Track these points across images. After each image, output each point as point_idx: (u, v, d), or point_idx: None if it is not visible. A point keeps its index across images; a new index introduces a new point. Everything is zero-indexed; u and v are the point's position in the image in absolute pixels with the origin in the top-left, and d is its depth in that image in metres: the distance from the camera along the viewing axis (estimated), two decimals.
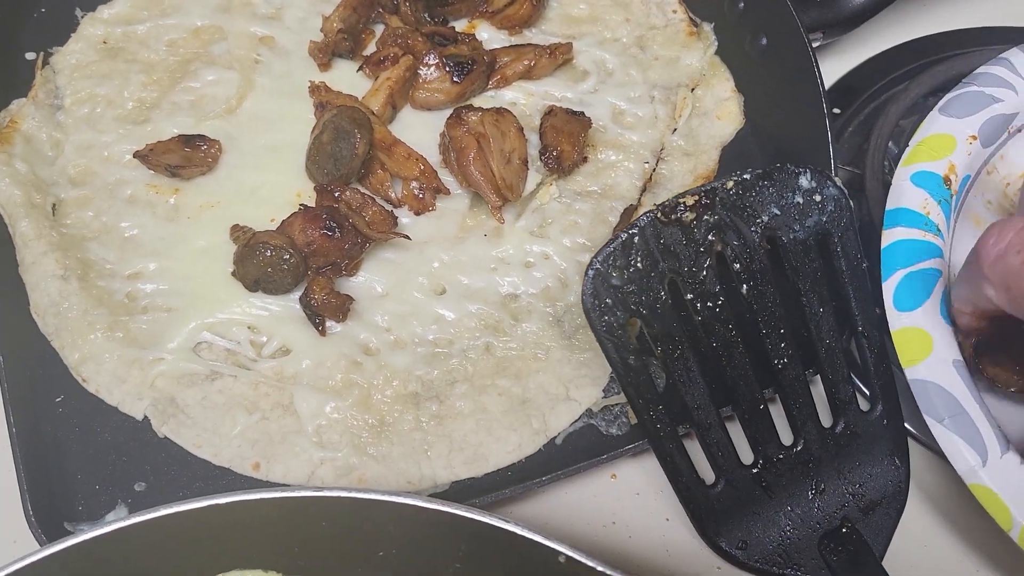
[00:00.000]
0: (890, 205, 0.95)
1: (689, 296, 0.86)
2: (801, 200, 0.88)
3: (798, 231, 0.88)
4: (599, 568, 0.70)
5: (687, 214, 0.86)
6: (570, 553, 0.70)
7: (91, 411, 0.92)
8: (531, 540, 0.71)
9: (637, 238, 0.86)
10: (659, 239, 0.86)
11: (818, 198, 0.88)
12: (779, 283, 0.88)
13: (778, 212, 0.88)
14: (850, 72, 1.17)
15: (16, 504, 0.87)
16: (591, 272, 0.85)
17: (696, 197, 0.86)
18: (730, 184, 0.87)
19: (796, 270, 0.88)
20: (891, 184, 0.95)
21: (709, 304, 0.87)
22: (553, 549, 0.71)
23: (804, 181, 0.88)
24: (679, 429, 0.86)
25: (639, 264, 0.86)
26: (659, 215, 0.86)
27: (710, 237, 0.87)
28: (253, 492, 0.75)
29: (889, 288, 0.90)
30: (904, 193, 0.94)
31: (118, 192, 1.04)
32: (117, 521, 0.73)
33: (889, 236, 0.93)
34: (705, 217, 0.87)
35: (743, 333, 0.87)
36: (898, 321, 0.89)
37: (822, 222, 0.88)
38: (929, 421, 0.85)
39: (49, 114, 1.09)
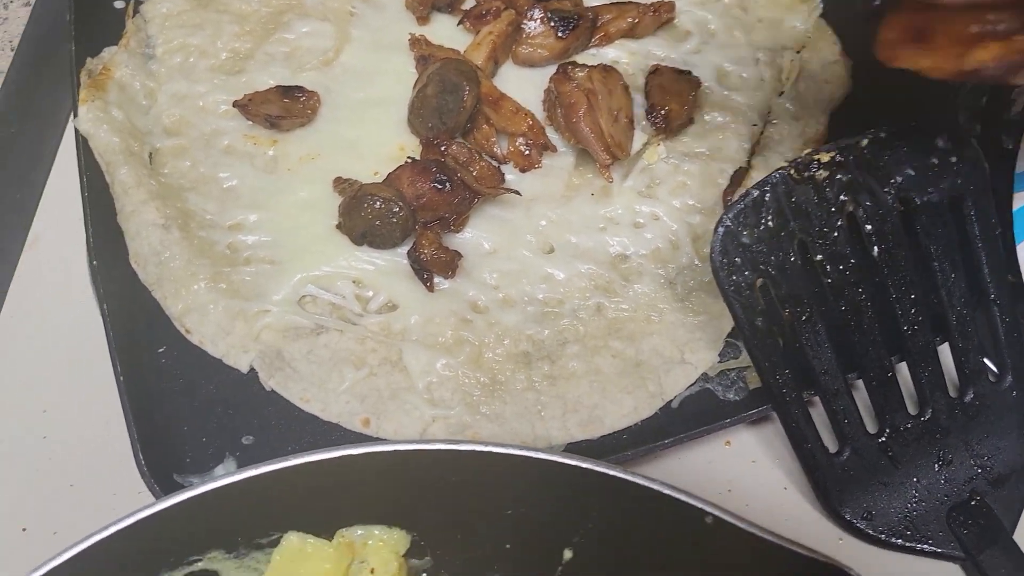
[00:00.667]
0: (1020, 168, 0.91)
1: (818, 257, 0.84)
2: (936, 161, 0.85)
3: (932, 193, 0.85)
4: (748, 529, 0.68)
5: (820, 172, 0.83)
6: (718, 513, 0.68)
7: (195, 363, 0.90)
8: (676, 499, 0.69)
9: (768, 195, 0.83)
10: (790, 197, 0.83)
11: (953, 159, 0.85)
12: (910, 247, 0.85)
13: (912, 173, 0.85)
14: None
15: (124, 455, 0.86)
16: (721, 230, 0.82)
17: (831, 154, 0.83)
18: (864, 142, 0.84)
19: (929, 234, 0.85)
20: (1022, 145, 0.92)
21: (839, 266, 0.84)
22: (699, 508, 0.68)
23: (940, 142, 0.85)
24: (803, 395, 0.84)
25: (770, 223, 0.83)
26: (792, 172, 0.83)
27: (843, 197, 0.84)
28: (381, 444, 0.73)
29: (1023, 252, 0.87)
30: None
31: (215, 142, 1.01)
32: (236, 473, 0.71)
33: (1020, 199, 0.89)
34: (838, 176, 0.84)
35: (872, 297, 0.84)
36: None
37: (957, 184, 0.85)
38: None
39: (141, 63, 1.06)
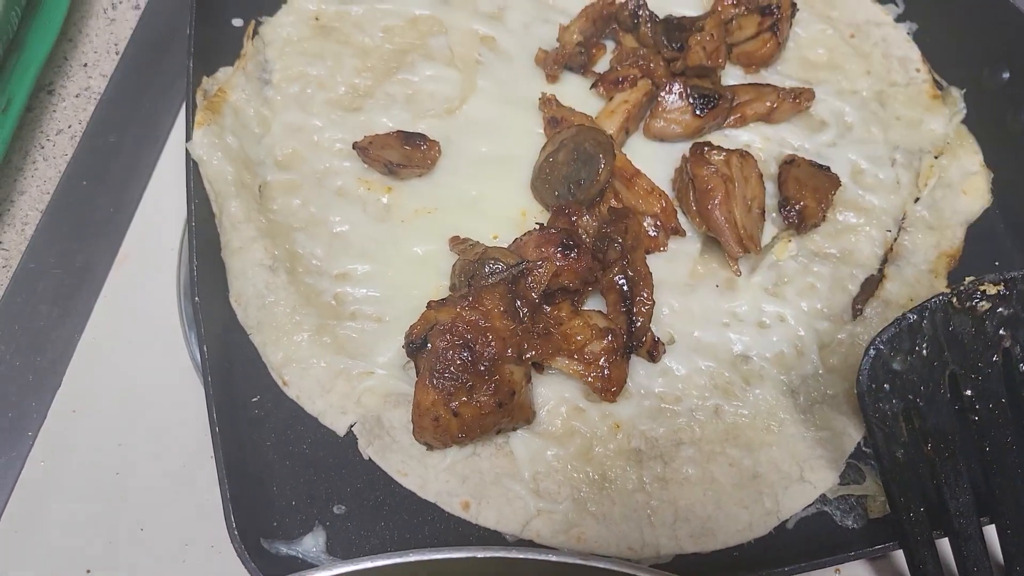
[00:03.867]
0: None
1: (968, 392, 0.79)
2: None
3: None
4: None
5: (983, 303, 0.78)
6: None
7: (288, 418, 0.85)
8: None
9: (926, 322, 0.78)
10: (948, 326, 0.79)
11: None
12: None
13: None
14: None
15: (198, 501, 0.81)
16: (872, 352, 0.78)
17: (998, 287, 0.78)
18: None
19: None
20: None
21: (989, 404, 0.79)
22: None
23: None
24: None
25: (924, 351, 0.78)
26: (953, 300, 0.78)
27: (1001, 331, 0.79)
28: (509, 549, 0.68)
29: None
30: None
31: (327, 182, 0.97)
32: (331, 566, 0.67)
33: None
34: (1000, 309, 0.79)
35: (1018, 441, 0.79)
36: None
37: None
38: None
39: (257, 88, 1.02)
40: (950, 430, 0.78)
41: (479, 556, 0.66)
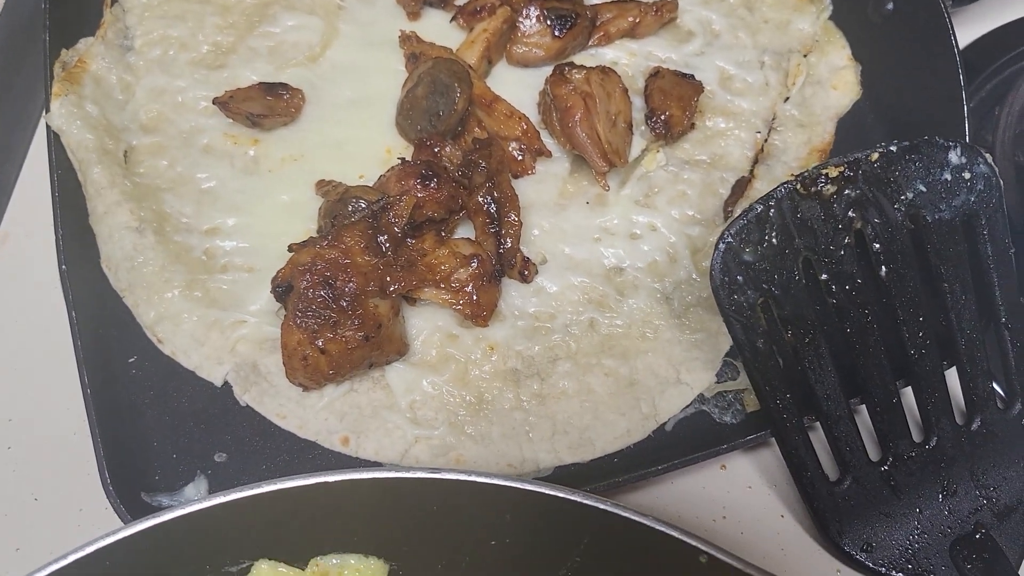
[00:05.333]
0: None
1: (824, 276, 0.80)
2: (949, 177, 0.81)
3: (944, 211, 0.81)
4: (745, 570, 0.64)
5: (828, 187, 0.79)
6: (713, 552, 0.64)
7: (166, 374, 0.86)
8: (670, 536, 0.65)
9: (773, 211, 0.79)
10: (796, 213, 0.79)
11: (967, 175, 0.81)
12: (920, 267, 0.81)
13: (924, 189, 0.81)
14: (975, 42, 1.08)
15: (84, 470, 0.82)
16: (722, 246, 0.78)
17: (840, 168, 0.79)
18: (875, 156, 0.80)
19: (940, 253, 0.81)
20: None
21: (845, 286, 0.80)
22: (694, 547, 0.64)
23: (953, 156, 0.81)
24: (804, 419, 0.80)
25: (774, 240, 0.79)
26: (798, 187, 0.79)
27: (850, 213, 0.80)
28: (359, 471, 0.69)
29: None
30: None
31: (193, 141, 0.97)
32: (206, 499, 0.67)
33: None
34: (846, 191, 0.80)
35: (878, 319, 0.80)
36: None
37: (970, 202, 0.82)
38: None
39: (119, 55, 1.01)
40: (809, 315, 0.79)
41: (329, 480, 0.67)
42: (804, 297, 0.79)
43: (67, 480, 0.86)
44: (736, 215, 0.79)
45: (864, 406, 0.82)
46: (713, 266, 0.78)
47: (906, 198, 0.80)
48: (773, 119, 1.01)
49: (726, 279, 0.78)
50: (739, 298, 0.78)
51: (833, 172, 0.79)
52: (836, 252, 0.80)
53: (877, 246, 0.80)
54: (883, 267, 0.80)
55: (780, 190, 0.79)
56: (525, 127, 0.94)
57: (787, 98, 1.02)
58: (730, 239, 0.78)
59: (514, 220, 0.88)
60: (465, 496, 0.69)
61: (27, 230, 1.01)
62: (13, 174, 1.04)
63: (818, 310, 0.80)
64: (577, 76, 0.94)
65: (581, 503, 0.67)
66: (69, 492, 0.85)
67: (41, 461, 0.88)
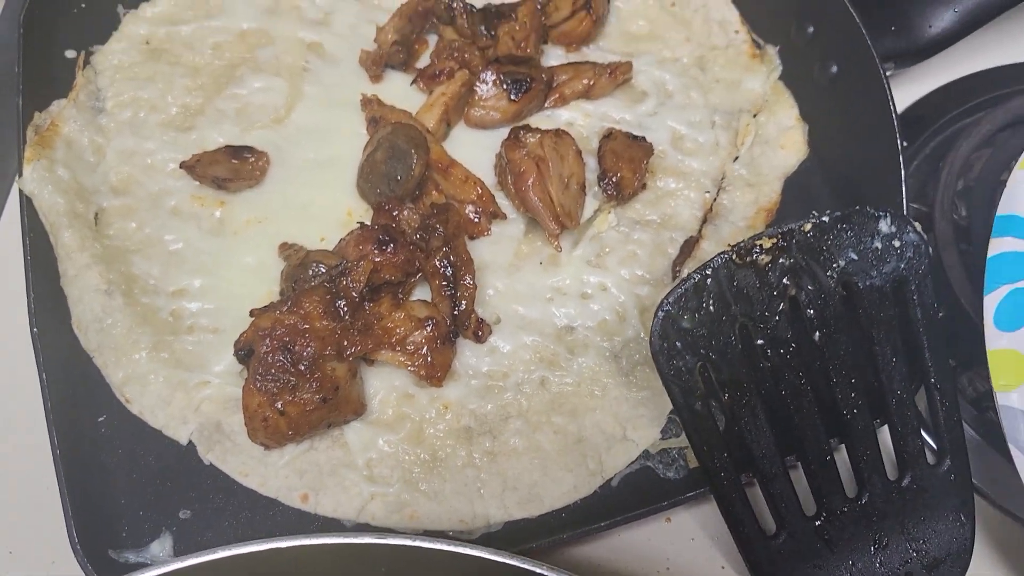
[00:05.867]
0: (1001, 211, 0.87)
1: (759, 341, 0.84)
2: (880, 245, 0.85)
3: (875, 277, 0.85)
4: None
5: (763, 257, 0.83)
6: None
7: (135, 433, 0.90)
8: None
9: (710, 280, 0.83)
10: (732, 282, 0.83)
11: (897, 244, 0.85)
12: (851, 330, 0.85)
13: (855, 257, 0.85)
14: (918, 102, 1.13)
15: (58, 525, 0.85)
16: (661, 314, 0.82)
17: (773, 240, 0.83)
18: (808, 227, 0.84)
19: (871, 318, 0.85)
20: (1004, 187, 0.88)
21: (780, 350, 0.84)
22: None
23: (884, 226, 0.85)
24: (741, 477, 0.84)
25: (711, 307, 0.83)
26: (734, 257, 0.83)
27: (785, 281, 0.84)
28: (309, 537, 0.73)
29: (991, 303, 0.84)
30: (1019, 198, 0.86)
31: (162, 203, 1.00)
32: (168, 562, 0.71)
33: (997, 246, 0.86)
34: (780, 260, 0.84)
35: (812, 381, 0.84)
36: (997, 341, 0.83)
37: (900, 269, 0.85)
38: (1015, 452, 0.82)
39: (91, 117, 1.05)
40: (745, 379, 0.83)
41: (307, 543, 0.70)
42: (741, 361, 0.83)
43: (41, 535, 0.89)
44: (675, 283, 0.83)
45: (799, 463, 0.86)
46: (653, 333, 0.82)
47: (838, 266, 0.84)
48: (722, 179, 1.05)
49: (665, 345, 0.82)
50: (678, 363, 0.82)
51: (767, 243, 0.83)
52: (771, 318, 0.84)
53: (811, 312, 0.84)
54: (817, 332, 0.84)
55: (717, 260, 0.82)
56: (480, 191, 0.98)
57: (736, 158, 1.06)
58: (669, 307, 0.82)
59: (469, 283, 0.92)
60: (414, 560, 0.73)
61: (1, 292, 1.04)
62: None
63: (754, 373, 0.84)
64: (531, 140, 0.98)
65: (519, 567, 0.71)
66: (43, 547, 0.89)
67: (15, 517, 0.91)
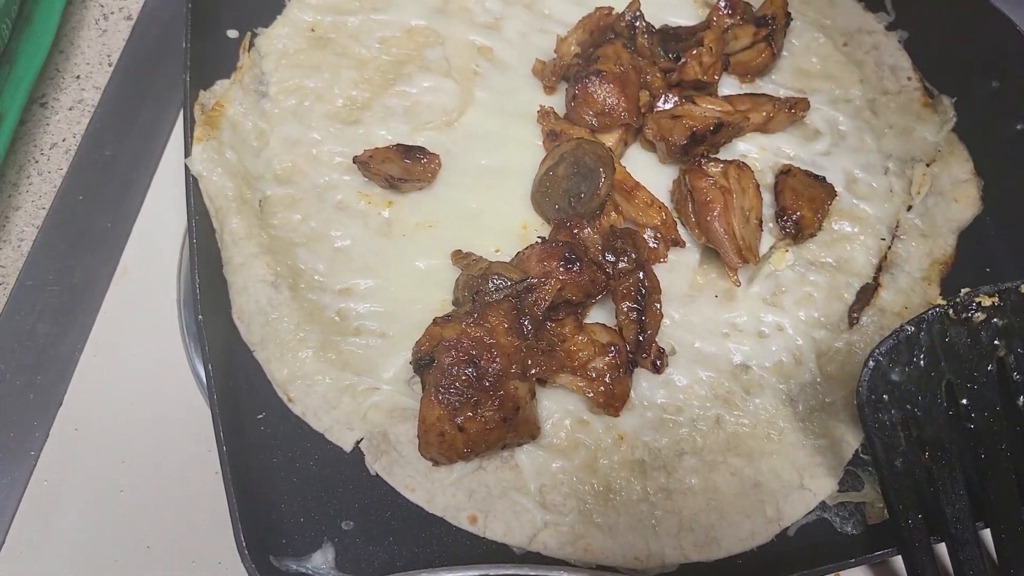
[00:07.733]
0: None
1: (964, 401, 0.81)
2: None
3: None
4: None
5: (978, 314, 0.80)
6: None
7: (295, 435, 0.86)
8: None
9: (923, 334, 0.80)
10: (944, 337, 0.80)
11: None
12: None
13: None
14: None
15: (205, 520, 0.82)
16: (871, 363, 0.79)
17: (993, 298, 0.80)
18: None
19: None
20: None
21: (984, 412, 0.81)
22: None
23: None
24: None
25: (921, 362, 0.80)
26: (949, 312, 0.80)
27: (996, 341, 0.81)
28: (498, 567, 0.69)
29: None
30: None
31: (327, 196, 0.97)
32: None
33: None
34: (994, 319, 0.81)
35: (1012, 447, 0.81)
36: None
37: None
38: None
39: (254, 101, 1.02)
40: (947, 439, 0.80)
41: (492, 574, 0.67)
42: (944, 420, 0.80)
43: (181, 530, 0.87)
44: (888, 335, 0.80)
45: (990, 531, 0.83)
46: (861, 382, 0.79)
47: None
48: (896, 227, 1.02)
49: (872, 396, 0.79)
50: (883, 416, 0.79)
51: (987, 301, 0.80)
52: (979, 379, 0.81)
53: (1017, 376, 0.81)
54: (1022, 397, 0.81)
55: (932, 313, 0.80)
56: (664, 217, 0.95)
57: (911, 206, 1.03)
58: (880, 358, 0.79)
59: (657, 310, 0.88)
60: None
61: (147, 266, 1.01)
62: (134, 210, 1.04)
63: (956, 434, 0.80)
64: (715, 170, 0.95)
65: None
66: (183, 543, 0.87)
67: (155, 508, 0.88)
